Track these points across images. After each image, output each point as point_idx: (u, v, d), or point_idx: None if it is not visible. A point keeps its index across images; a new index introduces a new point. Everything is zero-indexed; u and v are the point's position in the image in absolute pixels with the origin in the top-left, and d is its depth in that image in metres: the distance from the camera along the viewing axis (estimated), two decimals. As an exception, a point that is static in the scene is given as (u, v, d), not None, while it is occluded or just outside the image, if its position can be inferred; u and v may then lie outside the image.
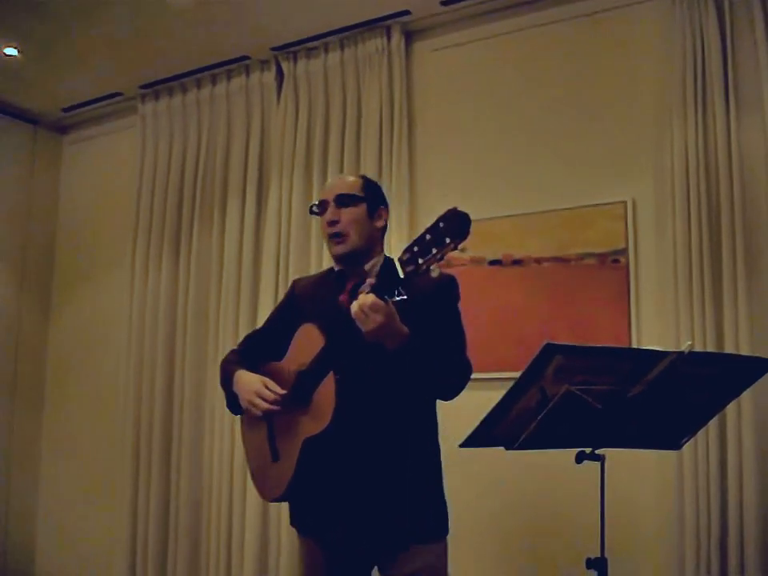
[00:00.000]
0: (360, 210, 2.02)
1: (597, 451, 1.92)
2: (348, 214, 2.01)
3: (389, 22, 3.60)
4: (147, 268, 4.18)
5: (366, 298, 1.67)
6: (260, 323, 3.75)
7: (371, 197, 2.06)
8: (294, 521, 2.06)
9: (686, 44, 2.97)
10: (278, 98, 3.92)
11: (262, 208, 3.91)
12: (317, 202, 2.09)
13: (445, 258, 1.53)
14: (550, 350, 1.68)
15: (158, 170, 4.26)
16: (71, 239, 4.74)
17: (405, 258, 1.58)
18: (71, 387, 4.55)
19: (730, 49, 2.90)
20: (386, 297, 1.65)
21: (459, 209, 1.52)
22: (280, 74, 3.93)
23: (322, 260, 3.59)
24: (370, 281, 1.69)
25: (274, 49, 3.87)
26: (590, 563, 1.92)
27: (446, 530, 1.95)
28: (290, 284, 2.28)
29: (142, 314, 4.14)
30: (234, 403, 2.08)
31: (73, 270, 4.69)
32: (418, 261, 1.55)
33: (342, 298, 1.96)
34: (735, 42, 2.91)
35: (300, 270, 3.65)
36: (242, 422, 2.16)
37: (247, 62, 4.00)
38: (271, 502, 2.10)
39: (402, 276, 1.59)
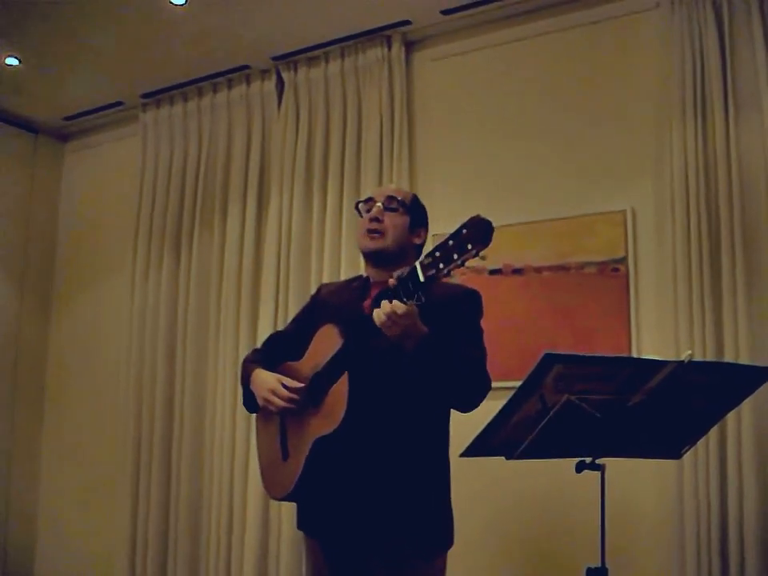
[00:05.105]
0: (404, 219, 2.05)
1: (597, 460, 1.92)
2: (392, 219, 2.03)
3: (389, 31, 3.61)
4: (147, 274, 4.18)
5: (393, 306, 1.65)
6: (260, 330, 3.82)
7: (417, 213, 2.10)
8: (301, 522, 2.05)
9: (684, 52, 2.98)
10: (279, 106, 3.93)
11: (262, 215, 3.92)
12: (365, 199, 2.11)
13: (466, 264, 1.53)
14: (548, 360, 1.69)
15: (159, 178, 4.27)
16: (72, 246, 4.74)
17: (426, 262, 1.57)
18: (72, 390, 4.55)
19: (729, 57, 2.91)
20: (405, 299, 1.64)
21: (482, 216, 1.53)
22: (280, 83, 3.94)
23: (323, 267, 3.60)
24: (392, 281, 1.68)
25: (274, 58, 3.88)
26: (591, 572, 1.91)
27: (446, 546, 1.92)
28: (315, 289, 2.28)
29: (142, 319, 4.14)
30: (250, 401, 2.09)
31: (73, 276, 4.69)
32: (439, 266, 1.55)
33: (366, 303, 1.94)
34: (734, 50, 2.92)
35: (300, 278, 3.66)
36: (256, 420, 2.16)
37: (248, 71, 4.01)
38: (278, 500, 2.09)
39: (422, 280, 1.58)
